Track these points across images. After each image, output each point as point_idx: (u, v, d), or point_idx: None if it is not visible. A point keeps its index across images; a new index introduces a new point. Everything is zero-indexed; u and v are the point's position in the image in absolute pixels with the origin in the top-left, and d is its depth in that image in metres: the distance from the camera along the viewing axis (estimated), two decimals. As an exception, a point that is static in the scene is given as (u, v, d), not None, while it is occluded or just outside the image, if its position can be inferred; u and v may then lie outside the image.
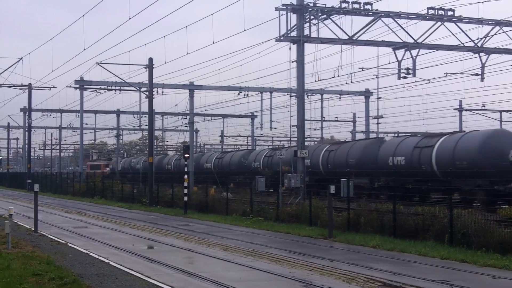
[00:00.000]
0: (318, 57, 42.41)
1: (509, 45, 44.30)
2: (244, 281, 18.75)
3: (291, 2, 39.64)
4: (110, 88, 64.27)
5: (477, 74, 46.23)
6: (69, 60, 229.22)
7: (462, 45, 43.48)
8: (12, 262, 20.76)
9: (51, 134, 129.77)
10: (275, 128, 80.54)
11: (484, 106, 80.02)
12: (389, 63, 44.26)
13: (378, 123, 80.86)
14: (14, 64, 53.97)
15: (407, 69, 42.37)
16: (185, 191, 46.69)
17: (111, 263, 21.49)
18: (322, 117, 78.76)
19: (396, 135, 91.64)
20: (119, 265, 21.02)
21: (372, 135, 78.06)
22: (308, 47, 41.02)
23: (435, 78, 54.88)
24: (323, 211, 33.69)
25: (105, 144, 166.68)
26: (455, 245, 25.33)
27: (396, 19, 41.80)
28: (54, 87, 75.94)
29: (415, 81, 53.03)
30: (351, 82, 51.63)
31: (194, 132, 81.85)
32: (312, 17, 40.36)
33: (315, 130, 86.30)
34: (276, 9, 39.69)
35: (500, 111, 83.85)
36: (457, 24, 42.90)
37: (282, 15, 39.64)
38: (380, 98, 70.19)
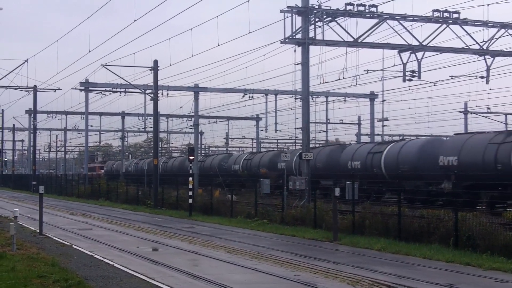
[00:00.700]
0: (323, 60, 42.53)
1: (515, 47, 44.28)
2: (249, 284, 18.76)
3: (296, 5, 39.64)
4: (115, 90, 64.35)
5: (482, 77, 46.19)
6: (74, 62, 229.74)
7: (467, 47, 43.43)
8: (17, 264, 20.77)
9: (56, 136, 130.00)
10: (280, 131, 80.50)
11: (490, 108, 79.98)
12: (394, 65, 44.26)
13: (383, 126, 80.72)
14: (20, 66, 54.01)
15: (412, 71, 42.35)
16: (190, 193, 46.67)
17: (115, 265, 21.50)
18: (327, 120, 78.69)
19: (401, 137, 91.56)
20: (124, 267, 21.02)
21: (377, 138, 78.04)
22: (313, 50, 41.11)
23: (440, 81, 54.74)
24: (328, 213, 33.65)
25: (110, 146, 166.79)
26: (460, 248, 25.30)
27: (401, 22, 41.77)
28: (59, 89, 76.08)
29: (420, 84, 52.90)
30: (356, 84, 51.57)
31: (199, 134, 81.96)
32: (317, 19, 40.36)
33: (320, 132, 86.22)
34: (281, 11, 39.70)
35: (506, 114, 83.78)
36: (463, 26, 42.86)
37: (287, 17, 39.67)
38: (385, 100, 70.04)
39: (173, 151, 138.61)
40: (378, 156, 47.77)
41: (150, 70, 57.18)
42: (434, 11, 42.02)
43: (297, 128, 50.96)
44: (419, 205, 36.88)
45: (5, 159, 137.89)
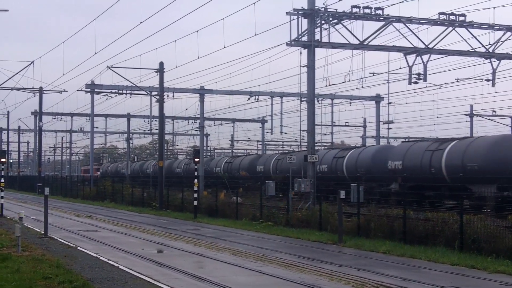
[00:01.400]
0: (328, 62, 42.35)
1: (521, 50, 44.18)
2: (253, 286, 18.77)
3: (302, 7, 39.62)
4: (121, 92, 64.39)
5: (488, 80, 46.13)
6: (80, 64, 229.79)
7: (473, 50, 43.37)
8: (22, 265, 20.79)
9: (62, 137, 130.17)
10: (286, 133, 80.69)
11: (495, 111, 79.80)
12: (400, 68, 44.30)
13: (388, 128, 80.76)
14: (25, 67, 54.09)
15: (418, 74, 42.29)
16: (195, 195, 46.69)
17: (120, 267, 21.51)
18: (333, 122, 78.65)
19: (406, 140, 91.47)
20: (129, 269, 21.03)
21: (383, 141, 78.00)
22: (319, 52, 41.03)
23: (446, 84, 54.73)
24: (333, 216, 33.63)
25: (116, 148, 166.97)
26: (465, 251, 25.27)
27: (407, 24, 41.73)
28: (65, 91, 76.22)
29: (426, 86, 52.87)
30: (362, 87, 51.56)
31: (204, 137, 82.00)
32: (323, 22, 40.33)
33: (325, 135, 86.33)
34: (287, 14, 39.68)
35: (511, 117, 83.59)
36: (468, 29, 42.79)
37: (293, 20, 39.64)
38: (390, 103, 70.06)
39: (178, 153, 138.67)
40: (341, 161, 53.89)
41: (156, 72, 57.22)
42: (440, 13, 41.97)
43: (303, 131, 50.99)
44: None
45: (11, 161, 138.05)
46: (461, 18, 42.08)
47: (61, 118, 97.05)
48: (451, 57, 45.91)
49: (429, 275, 20.90)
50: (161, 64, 56.82)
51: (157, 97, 57.24)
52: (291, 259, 24.21)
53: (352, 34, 41.02)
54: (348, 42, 41.23)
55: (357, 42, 41.16)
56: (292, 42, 39.80)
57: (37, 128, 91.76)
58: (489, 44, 43.30)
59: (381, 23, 41.32)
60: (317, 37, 40.19)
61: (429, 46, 42.12)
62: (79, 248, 27.03)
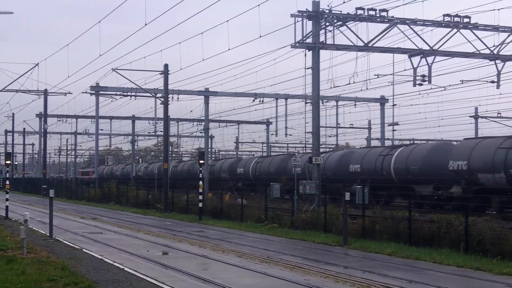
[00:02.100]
0: (333, 64, 42.26)
1: (526, 52, 44.14)
2: (259, 288, 18.76)
3: (306, 9, 39.64)
4: (126, 94, 64.40)
5: (493, 82, 46.07)
6: (85, 66, 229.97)
7: (478, 52, 43.33)
8: (27, 267, 20.81)
9: (67, 139, 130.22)
10: (290, 135, 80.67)
11: (500, 113, 79.64)
12: (404, 70, 44.19)
13: (393, 130, 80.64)
14: (30, 70, 54.15)
15: (423, 76, 42.27)
16: (200, 197, 46.70)
17: (126, 269, 21.51)
18: (337, 124, 78.67)
19: (411, 142, 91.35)
20: (134, 271, 21.04)
21: (388, 142, 77.91)
22: (324, 54, 41.04)
23: (450, 85, 54.64)
24: (338, 218, 33.63)
25: (120, 150, 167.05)
26: (471, 252, 25.25)
27: (411, 26, 41.72)
28: (69, 93, 76.14)
29: (431, 88, 52.87)
30: (367, 89, 51.46)
31: (209, 139, 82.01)
32: (327, 23, 40.34)
33: (330, 137, 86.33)
34: (292, 15, 39.71)
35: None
36: (473, 31, 42.78)
37: (297, 21, 39.67)
38: (395, 105, 70.06)
39: (183, 155, 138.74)
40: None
41: (161, 74, 57.25)
42: (444, 15, 41.95)
43: (307, 132, 51.26)
44: (429, 209, 38.20)
45: (16, 163, 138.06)
46: (466, 20, 42.08)
47: (66, 120, 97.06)
48: (456, 59, 45.90)
49: (434, 277, 20.88)
50: (166, 66, 56.85)
51: (162, 99, 57.27)
52: (296, 261, 24.20)
53: (357, 36, 41.06)
54: (352, 44, 41.23)
55: (361, 44, 41.16)
56: (297, 44, 39.81)
57: (42, 130, 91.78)
58: (494, 46, 43.28)
59: (386, 25, 41.32)
60: (322, 39, 40.21)
61: (433, 48, 42.10)
62: (84, 250, 27.05)
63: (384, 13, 40.70)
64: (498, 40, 43.42)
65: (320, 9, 39.77)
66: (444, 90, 55.48)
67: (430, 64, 42.11)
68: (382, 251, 26.81)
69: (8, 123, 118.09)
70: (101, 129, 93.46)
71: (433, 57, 42.37)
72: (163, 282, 19.03)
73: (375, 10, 40.56)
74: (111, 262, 23.14)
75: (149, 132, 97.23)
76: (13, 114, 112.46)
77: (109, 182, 78.33)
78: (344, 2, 38.64)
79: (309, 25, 39.95)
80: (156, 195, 60.79)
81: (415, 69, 42.27)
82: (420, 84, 42.87)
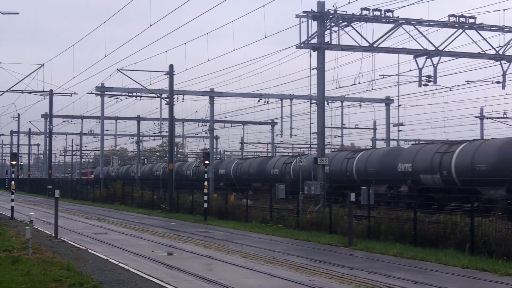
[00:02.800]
0: (338, 64, 42.35)
1: (531, 52, 44.02)
2: (264, 289, 18.74)
3: (311, 10, 39.61)
4: (131, 94, 64.42)
5: (498, 82, 46.01)
6: (90, 66, 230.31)
7: (483, 52, 43.26)
8: (33, 267, 20.83)
9: (72, 140, 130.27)
10: (295, 135, 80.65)
11: (506, 114, 79.53)
12: (410, 70, 44.11)
13: (398, 131, 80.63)
14: (36, 70, 54.10)
15: (428, 76, 42.21)
16: (205, 197, 46.69)
17: (131, 269, 21.52)
18: (343, 125, 78.60)
19: (416, 142, 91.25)
20: (139, 271, 21.05)
21: (393, 143, 77.86)
22: (329, 54, 41.00)
23: (456, 86, 54.61)
24: (343, 218, 33.61)
25: (126, 151, 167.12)
26: (476, 253, 25.22)
27: (417, 27, 41.66)
28: (75, 94, 76.05)
29: (436, 89, 52.84)
30: (372, 89, 51.41)
31: (214, 139, 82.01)
32: (332, 24, 40.30)
33: (335, 137, 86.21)
34: (297, 16, 39.67)
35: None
36: (479, 31, 42.71)
37: (302, 22, 39.64)
38: (400, 105, 70.02)
39: (188, 156, 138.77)
40: (289, 166, 65.41)
41: (166, 74, 57.27)
42: (450, 16, 41.88)
43: (313, 133, 51.43)
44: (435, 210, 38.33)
45: (21, 163, 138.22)
46: (471, 20, 42.00)
47: (71, 121, 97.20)
48: (461, 59, 45.83)
49: (440, 278, 20.85)
50: (171, 66, 56.87)
51: (167, 99, 57.29)
52: (301, 261, 24.19)
53: (362, 36, 41.00)
54: (358, 45, 41.20)
55: (366, 44, 41.11)
56: (302, 45, 39.78)
57: (47, 131, 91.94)
58: (499, 46, 43.20)
59: (391, 25, 41.26)
60: (327, 39, 40.18)
61: (439, 48, 42.04)
62: (89, 250, 27.07)
63: (389, 14, 40.64)
64: (503, 41, 43.36)
65: (325, 10, 39.73)
66: (450, 90, 55.48)
67: (435, 65, 42.05)
68: (387, 252, 26.78)
69: (13, 123, 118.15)
70: (107, 130, 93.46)
71: (438, 57, 42.31)
72: (168, 282, 19.03)
73: (380, 10, 40.51)
74: (116, 263, 23.15)
75: (154, 133, 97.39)
76: (18, 114, 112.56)
77: (114, 183, 78.48)
78: (349, 3, 38.59)
79: (314, 25, 39.94)
80: (161, 196, 60.83)
81: (420, 70, 42.22)
82: (426, 85, 42.82)
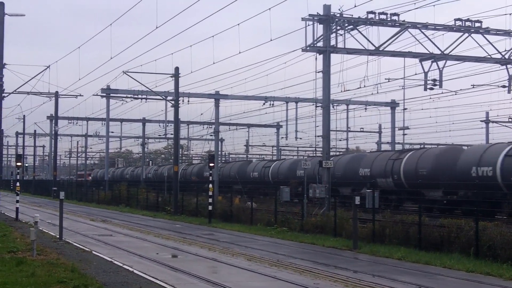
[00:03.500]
0: (344, 68, 42.31)
1: (537, 57, 43.96)
2: (268, 292, 18.73)
3: (317, 13, 39.61)
4: (136, 96, 64.49)
5: (504, 86, 45.96)
6: (96, 68, 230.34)
7: (489, 56, 43.24)
8: (37, 269, 20.84)
9: (77, 142, 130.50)
10: (300, 138, 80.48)
11: (511, 118, 79.43)
12: (415, 74, 44.14)
13: (404, 134, 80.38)
14: (42, 72, 53.98)
15: (434, 80, 42.19)
16: (210, 200, 46.67)
17: (135, 271, 21.52)
18: (348, 128, 78.57)
19: (421, 146, 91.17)
20: (143, 273, 21.04)
21: (398, 147, 77.77)
22: (334, 58, 41.00)
23: (461, 90, 54.60)
24: (348, 222, 33.59)
25: (131, 153, 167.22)
26: (481, 258, 25.19)
27: (423, 30, 41.64)
28: (80, 95, 76.17)
29: (442, 93, 52.76)
30: (377, 92, 51.62)
31: (219, 142, 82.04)
32: (338, 27, 40.29)
33: (340, 140, 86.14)
34: (303, 19, 39.68)
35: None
36: (484, 35, 42.67)
37: (308, 25, 39.65)
38: (406, 109, 69.83)
39: (193, 158, 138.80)
40: (267, 169, 71.28)
41: (171, 77, 57.29)
42: (456, 20, 41.86)
43: (318, 136, 51.62)
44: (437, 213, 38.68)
45: (26, 165, 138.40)
46: (477, 24, 41.97)
47: (76, 123, 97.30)
48: (467, 63, 45.85)
49: (444, 282, 20.84)
50: (177, 69, 56.89)
51: (173, 102, 57.29)
52: (306, 264, 24.18)
53: (368, 40, 41.01)
54: (363, 48, 41.19)
55: (372, 48, 41.11)
56: (308, 48, 39.79)
57: (53, 133, 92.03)
58: (505, 51, 43.19)
59: (397, 29, 41.25)
60: (333, 42, 40.19)
61: (445, 52, 42.02)
62: (94, 252, 27.08)
63: (395, 17, 40.63)
64: (509, 45, 43.58)
65: (331, 13, 39.74)
66: (455, 94, 55.44)
67: (441, 69, 42.03)
68: (392, 256, 26.75)
69: (19, 125, 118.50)
70: (112, 132, 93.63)
71: (444, 61, 42.29)
72: (173, 285, 19.03)
73: (386, 14, 40.50)
74: (121, 265, 23.15)
75: (160, 135, 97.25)
76: (24, 116, 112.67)
77: (119, 184, 78.57)
78: (355, 6, 38.69)
79: (320, 29, 39.94)
80: (166, 198, 60.83)
81: (426, 73, 42.22)
82: (431, 89, 42.81)
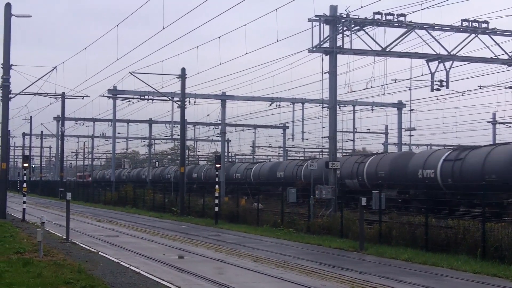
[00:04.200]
0: (350, 69, 42.13)
1: (544, 58, 43.88)
2: (275, 293, 18.71)
3: (324, 14, 39.59)
4: (143, 97, 64.56)
5: (511, 87, 45.90)
6: (103, 69, 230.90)
7: (496, 57, 43.16)
8: (44, 270, 20.86)
9: (84, 142, 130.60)
10: (307, 139, 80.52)
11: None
12: (422, 75, 44.05)
13: (410, 135, 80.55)
14: (48, 73, 54.06)
15: (440, 81, 42.11)
16: (216, 201, 46.67)
17: (141, 272, 21.53)
18: (354, 129, 78.55)
19: (428, 147, 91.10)
20: (150, 274, 21.05)
21: (405, 148, 77.76)
22: (341, 58, 40.93)
23: (468, 91, 54.58)
24: (354, 223, 33.56)
25: (137, 153, 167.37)
26: (488, 259, 25.14)
27: (429, 31, 41.58)
28: (87, 96, 76.14)
29: (448, 94, 52.75)
30: (384, 93, 51.41)
31: (226, 142, 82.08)
32: (345, 28, 40.26)
33: (347, 141, 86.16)
34: (309, 20, 39.66)
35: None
36: (491, 36, 42.59)
37: (315, 26, 39.61)
38: (412, 110, 69.88)
39: (199, 159, 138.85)
40: (250, 171, 76.34)
41: (178, 78, 57.35)
42: (462, 20, 41.78)
43: (324, 137, 51.63)
44: (446, 215, 38.08)
45: (33, 166, 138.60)
46: (484, 25, 41.89)
47: (83, 124, 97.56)
48: (474, 64, 45.77)
49: (451, 283, 20.81)
50: (183, 70, 56.94)
51: (179, 103, 57.35)
52: (312, 266, 24.16)
53: (374, 40, 40.95)
54: (370, 49, 41.15)
55: (379, 48, 41.06)
56: (314, 49, 39.76)
57: (59, 133, 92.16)
58: (512, 51, 43.07)
59: (404, 30, 41.19)
60: (339, 43, 40.15)
61: (451, 53, 41.95)
62: (100, 253, 27.09)
63: (401, 18, 40.58)
64: (516, 46, 43.23)
65: (338, 14, 39.71)
66: (462, 95, 55.41)
67: (448, 69, 41.96)
68: (398, 257, 26.72)
69: (26, 126, 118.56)
70: (118, 133, 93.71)
71: (451, 62, 42.22)
72: (179, 286, 19.04)
73: (392, 15, 40.45)
74: (127, 266, 23.16)
75: (166, 136, 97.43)
76: (30, 117, 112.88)
77: (126, 185, 78.66)
78: (361, 7, 38.66)
79: (326, 29, 39.90)
80: (173, 199, 60.86)
81: (432, 74, 42.14)
82: (438, 89, 42.72)
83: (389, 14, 40.35)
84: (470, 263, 24.45)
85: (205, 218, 49.15)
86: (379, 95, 54.46)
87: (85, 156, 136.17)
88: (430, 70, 42.16)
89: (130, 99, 67.37)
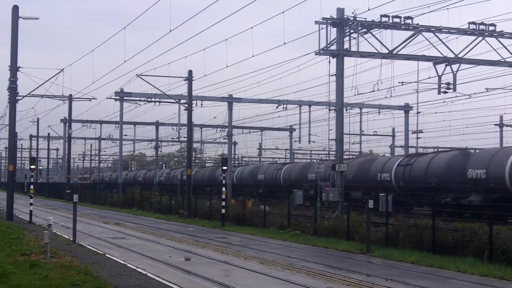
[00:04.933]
0: (357, 71, 42.21)
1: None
2: (281, 295, 18.70)
3: (331, 16, 39.60)
4: (150, 100, 64.63)
5: (518, 90, 45.75)
6: (110, 72, 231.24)
7: (503, 60, 43.09)
8: (51, 272, 20.87)
9: (91, 144, 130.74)
10: (314, 142, 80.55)
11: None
12: (429, 77, 43.96)
13: (417, 138, 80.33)
14: (55, 75, 54.16)
15: (448, 84, 42.08)
16: (223, 203, 46.66)
17: (148, 274, 21.54)
18: (361, 131, 78.46)
19: (435, 150, 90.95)
20: (157, 276, 21.05)
21: (411, 150, 77.64)
22: (348, 61, 40.96)
23: (475, 93, 54.45)
24: (361, 225, 33.53)
25: (144, 156, 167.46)
26: (495, 262, 25.09)
27: (436, 34, 41.56)
28: (94, 99, 75.85)
29: (456, 96, 52.68)
30: (391, 96, 51.32)
31: (233, 145, 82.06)
32: (352, 31, 40.27)
33: (353, 144, 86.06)
34: (316, 22, 39.67)
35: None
36: (498, 39, 42.54)
37: (322, 28, 39.64)
38: (419, 112, 69.67)
39: (206, 161, 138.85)
40: (232, 174, 75.96)
41: (185, 80, 57.38)
42: (470, 23, 41.75)
43: (331, 140, 51.55)
44: (453, 217, 37.95)
45: (40, 168, 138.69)
46: (491, 28, 41.85)
47: (90, 126, 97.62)
48: (481, 67, 45.68)
49: (458, 286, 20.78)
50: (190, 72, 56.98)
51: (186, 105, 57.39)
52: (319, 268, 24.14)
53: (381, 43, 40.96)
54: (377, 51, 41.14)
55: (386, 51, 41.06)
56: (321, 51, 39.77)
57: (66, 135, 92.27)
58: (520, 54, 42.98)
59: (411, 32, 41.19)
60: (346, 46, 40.16)
61: (458, 56, 41.92)
62: (107, 255, 27.11)
63: (409, 21, 40.57)
64: (524, 48, 43.12)
65: (345, 16, 39.72)
66: (469, 98, 55.28)
67: (455, 72, 41.93)
68: (405, 259, 26.69)
69: (33, 128, 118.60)
70: (125, 135, 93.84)
71: (458, 65, 42.19)
72: (186, 288, 19.05)
73: (400, 17, 40.44)
74: (134, 268, 23.17)
75: (173, 138, 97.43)
76: (38, 119, 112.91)
77: (133, 188, 78.70)
78: (369, 9, 38.71)
79: (333, 32, 39.93)
80: (179, 201, 60.88)
81: (439, 77, 42.09)
82: (445, 92, 42.69)
83: (396, 16, 40.36)
84: (477, 266, 24.41)
85: (211, 221, 49.14)
86: (386, 97, 54.33)
87: (92, 158, 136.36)
88: (437, 73, 42.12)
89: (137, 102, 67.43)
